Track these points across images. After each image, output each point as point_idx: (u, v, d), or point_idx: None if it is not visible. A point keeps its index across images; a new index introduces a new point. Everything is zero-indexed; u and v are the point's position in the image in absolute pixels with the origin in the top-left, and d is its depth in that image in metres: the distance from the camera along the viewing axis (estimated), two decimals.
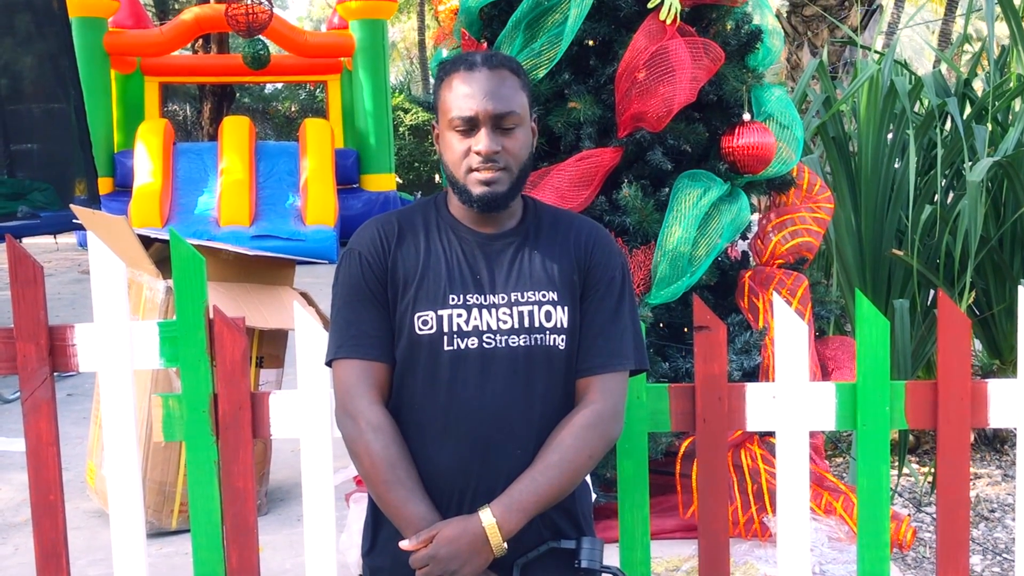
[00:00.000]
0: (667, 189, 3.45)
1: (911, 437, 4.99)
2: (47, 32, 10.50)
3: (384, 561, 1.89)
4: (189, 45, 17.73)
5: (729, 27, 3.67)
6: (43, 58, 10.64)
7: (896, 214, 5.01)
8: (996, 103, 5.07)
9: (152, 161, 13.96)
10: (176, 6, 23.79)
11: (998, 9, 5.13)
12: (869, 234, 5.00)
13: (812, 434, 3.08)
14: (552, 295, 1.85)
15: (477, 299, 1.83)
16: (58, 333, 2.28)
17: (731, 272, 3.73)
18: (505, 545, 1.74)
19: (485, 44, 3.61)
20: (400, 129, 24.05)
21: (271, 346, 4.38)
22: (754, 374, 3.40)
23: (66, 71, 10.50)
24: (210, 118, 18.58)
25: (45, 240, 14.50)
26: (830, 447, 5.06)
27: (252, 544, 2.26)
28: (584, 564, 1.83)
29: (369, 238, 1.88)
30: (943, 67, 6.07)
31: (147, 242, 4.14)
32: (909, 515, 4.04)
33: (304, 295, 4.37)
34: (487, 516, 1.73)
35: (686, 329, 3.54)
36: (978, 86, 5.83)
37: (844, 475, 4.66)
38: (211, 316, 2.24)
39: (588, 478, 2.00)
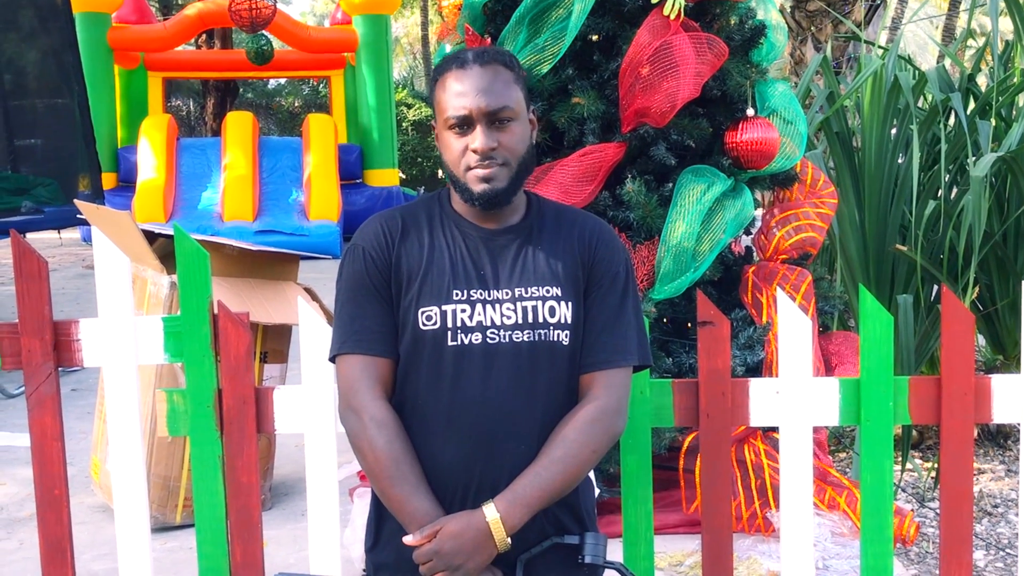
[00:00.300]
0: (671, 184, 3.45)
1: (914, 432, 4.99)
2: (51, 27, 10.49)
3: (388, 556, 1.89)
4: (192, 40, 17.72)
5: (733, 22, 3.67)
6: (47, 53, 10.64)
7: (900, 209, 5.00)
8: (1000, 98, 5.06)
9: (156, 156, 13.96)
10: (179, 1, 23.77)
11: (1002, 4, 5.12)
12: (873, 229, 4.99)
13: (815, 429, 3.08)
14: (556, 290, 1.85)
15: (481, 294, 1.83)
16: (62, 328, 2.29)
17: (735, 267, 3.73)
18: (509, 540, 1.74)
19: (489, 40, 3.61)
20: (403, 124, 24.06)
21: (275, 341, 4.38)
22: (758, 369, 3.40)
23: (70, 66, 10.50)
24: (213, 113, 18.57)
25: (49, 235, 14.50)
26: (833, 442, 5.07)
27: (256, 539, 2.27)
28: (588, 560, 1.83)
29: (373, 234, 1.89)
30: (947, 62, 6.07)
31: (151, 237, 4.15)
32: (912, 510, 4.05)
33: (308, 290, 4.38)
34: (491, 511, 1.74)
35: (690, 324, 3.54)
36: (982, 81, 5.82)
37: (847, 470, 4.66)
38: (215, 311, 2.25)
39: (591, 473, 2.00)
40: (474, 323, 1.82)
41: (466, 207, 1.89)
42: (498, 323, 1.82)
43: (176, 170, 14.23)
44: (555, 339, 1.84)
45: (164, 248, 4.16)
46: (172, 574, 3.62)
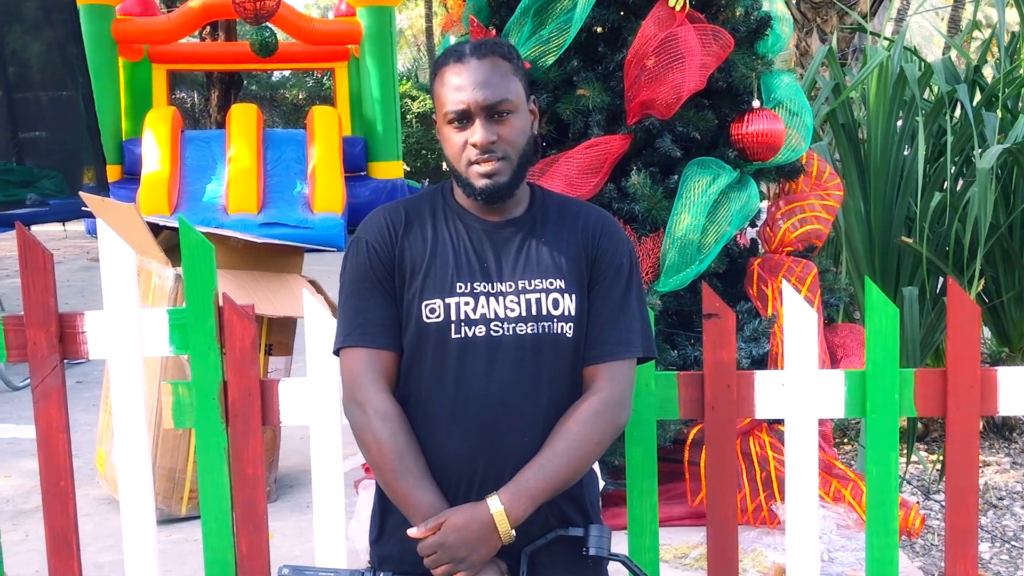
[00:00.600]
0: (676, 176, 3.45)
1: (920, 425, 4.99)
2: (55, 19, 10.49)
3: (392, 549, 1.89)
4: (196, 32, 17.70)
5: (738, 14, 3.66)
6: (51, 46, 10.63)
7: (905, 201, 4.99)
8: (1006, 90, 5.04)
9: (160, 149, 13.95)
10: None
11: None
12: (878, 221, 4.99)
13: (821, 422, 3.08)
14: (559, 283, 1.85)
15: (484, 287, 1.83)
16: (68, 320, 2.29)
17: (740, 260, 3.73)
18: (513, 532, 1.74)
19: (494, 31, 3.60)
20: (407, 117, 24.05)
21: (280, 334, 4.39)
22: (763, 362, 3.40)
23: (74, 59, 10.49)
24: (218, 106, 18.56)
25: (54, 228, 14.50)
26: (839, 435, 5.06)
27: (262, 530, 2.27)
28: (592, 552, 1.83)
29: (376, 227, 1.88)
30: (953, 54, 6.04)
31: (156, 230, 4.15)
32: (918, 503, 4.05)
33: (312, 283, 4.38)
34: (495, 503, 1.74)
35: (695, 317, 3.54)
36: (988, 73, 5.79)
37: (852, 463, 4.66)
38: (220, 304, 2.25)
39: (596, 466, 2.00)
40: (478, 316, 1.81)
41: (469, 200, 1.89)
42: (502, 316, 1.82)
43: (180, 162, 14.23)
44: (559, 331, 1.83)
45: (169, 240, 4.16)
46: (178, 566, 3.63)
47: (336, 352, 1.89)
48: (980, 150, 4.53)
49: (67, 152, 10.95)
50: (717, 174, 3.41)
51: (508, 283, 1.84)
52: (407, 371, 1.85)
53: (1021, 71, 5.32)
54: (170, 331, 2.28)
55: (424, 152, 24.48)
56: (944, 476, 2.36)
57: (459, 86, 1.80)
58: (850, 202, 5.01)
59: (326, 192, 13.97)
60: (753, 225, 3.86)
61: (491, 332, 1.81)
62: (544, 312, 1.83)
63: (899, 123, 5.06)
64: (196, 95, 25.93)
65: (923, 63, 5.56)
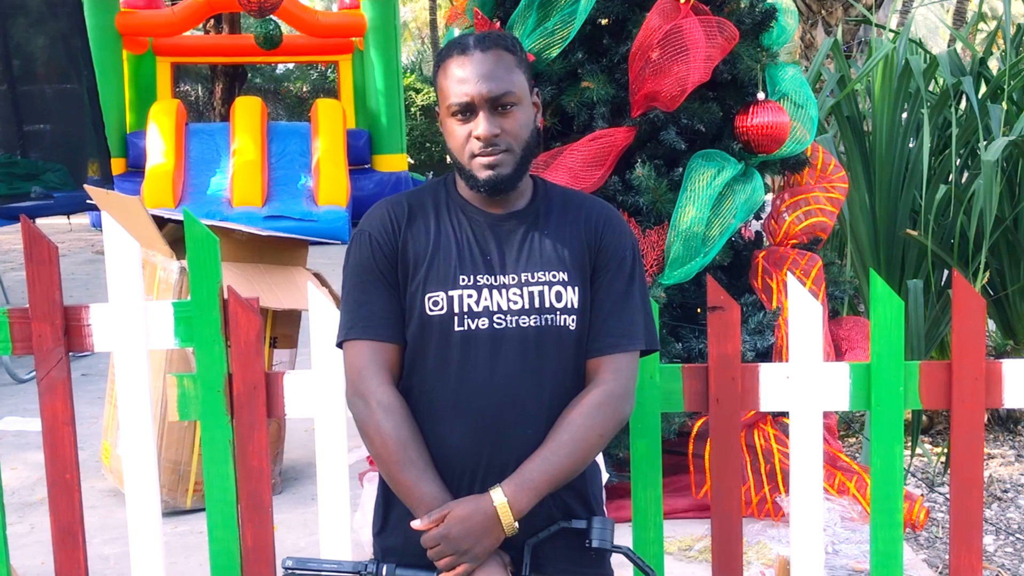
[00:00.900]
0: (681, 169, 3.44)
1: (924, 417, 4.98)
2: (59, 12, 10.49)
3: (395, 541, 1.90)
4: (201, 25, 17.70)
5: (743, 6, 3.65)
6: (55, 39, 10.64)
7: (910, 194, 4.98)
8: (1012, 82, 5.03)
9: (164, 142, 13.95)
10: None
11: None
12: (883, 214, 4.98)
13: (825, 414, 3.08)
14: (563, 275, 1.85)
15: (487, 279, 1.83)
16: (73, 313, 2.29)
17: (745, 252, 3.72)
18: (516, 524, 1.74)
19: (498, 24, 3.60)
20: (412, 109, 24.02)
21: (285, 326, 4.39)
22: (767, 354, 3.40)
23: (78, 52, 10.49)
24: (222, 98, 18.55)
25: (58, 220, 14.51)
26: (843, 427, 5.06)
27: (267, 523, 2.28)
28: (595, 544, 1.83)
29: (379, 219, 1.89)
30: (958, 46, 6.03)
31: (160, 222, 4.15)
32: (922, 495, 4.04)
33: (317, 276, 4.38)
34: (498, 495, 1.74)
35: (699, 309, 3.54)
36: (993, 65, 5.78)
37: (857, 455, 4.66)
38: (225, 296, 2.25)
39: (600, 458, 2.00)
40: (480, 308, 1.82)
41: (472, 192, 1.89)
42: (505, 308, 1.82)
43: (185, 155, 14.22)
44: (562, 324, 1.84)
45: (174, 233, 4.17)
46: (183, 558, 3.64)
47: (339, 345, 1.89)
48: (985, 142, 4.52)
49: (71, 145, 10.96)
50: (722, 167, 3.41)
51: (511, 275, 1.84)
52: (410, 364, 1.85)
53: None
54: (175, 324, 2.28)
55: (428, 145, 24.46)
56: (948, 468, 2.36)
57: (463, 79, 1.80)
58: (855, 194, 5.00)
59: (330, 185, 13.97)
60: (758, 218, 3.86)
61: (494, 324, 1.81)
62: (547, 304, 1.83)
63: (904, 115, 5.05)
64: (200, 88, 25.94)
65: (928, 55, 5.55)
